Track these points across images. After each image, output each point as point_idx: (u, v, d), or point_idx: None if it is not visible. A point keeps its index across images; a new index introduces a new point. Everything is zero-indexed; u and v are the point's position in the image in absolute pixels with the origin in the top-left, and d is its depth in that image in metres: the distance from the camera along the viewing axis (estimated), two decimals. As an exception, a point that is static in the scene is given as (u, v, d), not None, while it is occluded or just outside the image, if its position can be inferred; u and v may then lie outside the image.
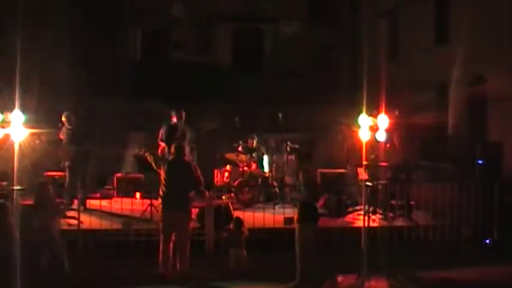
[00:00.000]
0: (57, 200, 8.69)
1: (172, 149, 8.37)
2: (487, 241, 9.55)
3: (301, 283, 7.57)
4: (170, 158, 8.43)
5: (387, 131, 8.69)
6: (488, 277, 8.39)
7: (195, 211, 8.81)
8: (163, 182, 8.08)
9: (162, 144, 11.54)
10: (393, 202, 10.75)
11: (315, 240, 7.71)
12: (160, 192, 8.11)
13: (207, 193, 8.93)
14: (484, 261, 8.95)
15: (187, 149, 10.52)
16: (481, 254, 9.28)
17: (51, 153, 10.89)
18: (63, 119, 10.61)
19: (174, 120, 11.67)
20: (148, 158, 8.49)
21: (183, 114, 11.64)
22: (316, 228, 7.82)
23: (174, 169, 8.11)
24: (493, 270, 8.65)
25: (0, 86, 9.31)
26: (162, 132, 11.70)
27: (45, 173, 11.27)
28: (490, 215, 9.55)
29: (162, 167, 8.16)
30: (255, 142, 12.09)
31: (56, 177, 11.28)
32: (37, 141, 9.93)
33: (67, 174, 10.64)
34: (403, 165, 10.57)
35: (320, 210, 10.87)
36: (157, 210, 9.03)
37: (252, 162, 11.88)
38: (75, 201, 9.98)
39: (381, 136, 8.63)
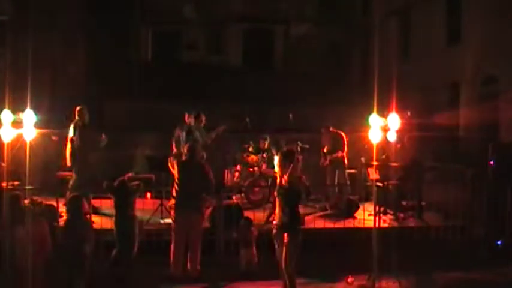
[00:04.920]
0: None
1: (186, 150, 8.36)
2: (499, 242, 9.48)
3: None
4: (183, 158, 8.40)
5: (398, 131, 8.66)
6: (500, 278, 8.36)
7: (206, 211, 8.81)
8: (177, 182, 8.10)
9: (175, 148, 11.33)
10: (404, 203, 10.71)
11: None
12: (174, 193, 8.14)
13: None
14: (496, 262, 8.89)
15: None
16: (493, 255, 9.21)
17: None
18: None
19: (188, 121, 11.44)
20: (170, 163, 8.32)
21: (203, 117, 11.43)
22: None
23: (188, 170, 8.13)
24: (505, 271, 8.60)
25: (12, 86, 9.34)
26: (178, 133, 11.36)
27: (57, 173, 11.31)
28: (502, 215, 9.48)
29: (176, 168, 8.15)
30: (267, 143, 12.08)
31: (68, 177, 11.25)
32: (53, 137, 9.74)
33: None
34: (414, 165, 10.52)
35: (330, 211, 11.01)
36: (167, 210, 9.05)
37: (262, 163, 11.89)
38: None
39: (392, 136, 8.60)
